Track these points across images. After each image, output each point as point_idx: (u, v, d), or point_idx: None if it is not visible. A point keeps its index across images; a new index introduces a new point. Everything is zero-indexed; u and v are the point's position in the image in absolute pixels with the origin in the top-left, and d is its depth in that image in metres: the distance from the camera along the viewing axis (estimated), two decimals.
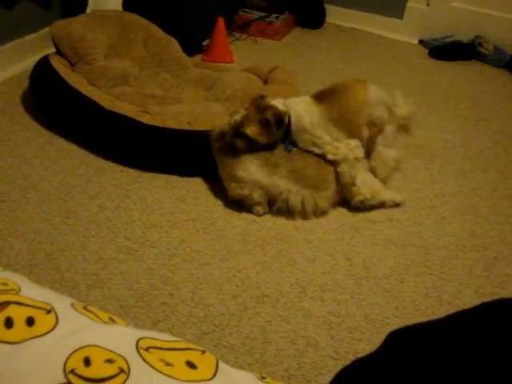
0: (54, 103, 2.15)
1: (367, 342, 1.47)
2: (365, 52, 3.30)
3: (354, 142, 1.84)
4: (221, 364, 0.73)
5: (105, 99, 2.05)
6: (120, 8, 2.64)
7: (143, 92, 2.25)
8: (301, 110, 1.84)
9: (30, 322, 0.67)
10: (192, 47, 2.77)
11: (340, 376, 0.63)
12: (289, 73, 2.40)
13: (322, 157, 1.86)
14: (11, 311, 0.68)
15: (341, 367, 1.40)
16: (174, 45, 2.52)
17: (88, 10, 2.60)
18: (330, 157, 1.84)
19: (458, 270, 1.74)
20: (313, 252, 1.74)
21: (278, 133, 1.82)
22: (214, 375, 0.70)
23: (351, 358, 1.43)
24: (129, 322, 1.42)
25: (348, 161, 1.83)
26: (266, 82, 2.38)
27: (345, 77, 2.93)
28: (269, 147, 1.84)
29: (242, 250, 1.72)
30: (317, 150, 1.85)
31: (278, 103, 1.84)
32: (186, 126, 1.96)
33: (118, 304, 1.48)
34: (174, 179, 1.97)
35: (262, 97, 1.87)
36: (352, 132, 1.85)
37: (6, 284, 0.73)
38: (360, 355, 1.43)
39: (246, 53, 3.09)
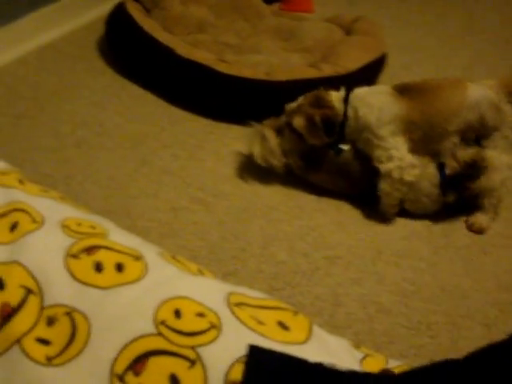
0: (129, 50, 2.16)
1: (443, 315, 1.43)
2: (463, 3, 3.08)
3: (411, 160, 1.60)
4: (314, 327, 0.71)
5: (181, 46, 2.03)
6: None
7: (220, 40, 2.22)
8: (371, 104, 1.62)
9: (120, 267, 0.67)
10: None
11: (474, 355, 0.58)
12: (374, 24, 2.29)
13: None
14: (101, 255, 0.68)
15: (413, 337, 1.38)
16: None
17: None
18: (376, 164, 1.62)
19: None
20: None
21: (326, 137, 1.64)
22: (308, 339, 0.68)
23: (424, 328, 1.40)
24: None
25: (390, 179, 1.61)
26: (348, 33, 2.28)
27: (438, 33, 2.77)
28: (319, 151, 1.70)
29: (316, 208, 1.69)
30: (370, 152, 1.64)
31: (338, 98, 1.65)
32: (263, 77, 1.92)
33: (189, 254, 1.50)
34: (250, 131, 1.95)
35: (326, 89, 1.69)
36: (433, 141, 1.63)
37: (94, 227, 0.73)
38: (434, 327, 1.40)
39: (328, 2, 2.97)
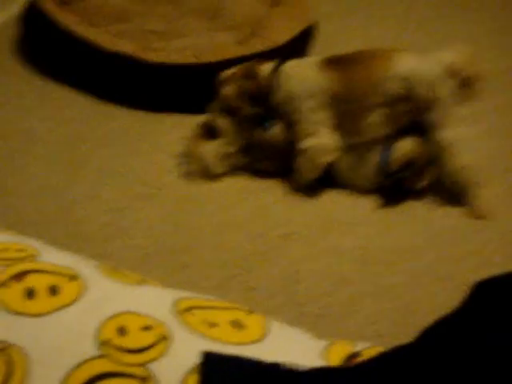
0: (48, 48, 2.06)
1: (401, 275, 1.45)
2: None
3: (329, 142, 1.58)
4: (271, 323, 0.70)
5: (103, 39, 1.96)
6: None
7: (144, 28, 2.15)
8: (296, 77, 1.60)
9: (54, 290, 0.64)
10: None
11: (425, 335, 0.58)
12: None
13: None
14: (31, 280, 0.64)
15: (377, 302, 1.40)
16: None
17: None
18: (302, 142, 1.59)
19: None
20: (336, 185, 1.68)
21: (252, 109, 1.64)
22: (265, 336, 0.67)
23: (386, 292, 1.42)
24: (153, 271, 1.41)
25: (305, 157, 1.60)
26: (273, 5, 2.25)
27: None
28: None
29: (262, 188, 1.68)
30: (293, 126, 1.61)
31: (268, 71, 1.63)
32: (192, 60, 1.88)
33: (139, 253, 1.47)
34: (186, 118, 1.90)
35: (259, 61, 1.69)
36: (359, 114, 1.58)
37: (22, 250, 0.69)
38: (395, 289, 1.42)
39: None
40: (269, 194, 1.66)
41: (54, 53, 2.04)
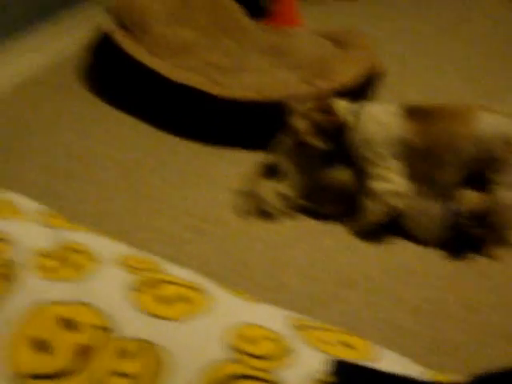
0: (119, 79, 2.16)
1: (466, 333, 1.40)
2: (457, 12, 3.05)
3: (405, 188, 1.59)
4: (373, 345, 0.76)
5: (170, 70, 2.02)
6: None
7: (208, 61, 2.20)
8: (381, 122, 1.59)
9: (185, 300, 0.70)
10: (256, 11, 2.67)
11: None
12: (365, 37, 2.29)
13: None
14: (165, 289, 0.71)
15: (434, 358, 1.33)
16: (237, 9, 2.44)
17: None
18: (369, 180, 1.60)
19: None
20: (400, 232, 1.67)
21: (323, 145, 1.62)
22: (375, 356, 0.72)
23: (448, 348, 1.37)
24: None
25: (379, 199, 1.59)
26: (338, 47, 2.26)
27: (431, 41, 2.72)
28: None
29: (325, 230, 1.68)
30: (367, 168, 1.62)
31: (346, 109, 1.63)
32: (256, 97, 1.90)
33: None
34: (244, 154, 1.92)
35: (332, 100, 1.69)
36: (432, 171, 1.60)
37: (148, 262, 0.78)
38: (457, 346, 1.36)
39: (317, 15, 2.94)
40: (328, 237, 1.67)
41: (124, 82, 2.12)
